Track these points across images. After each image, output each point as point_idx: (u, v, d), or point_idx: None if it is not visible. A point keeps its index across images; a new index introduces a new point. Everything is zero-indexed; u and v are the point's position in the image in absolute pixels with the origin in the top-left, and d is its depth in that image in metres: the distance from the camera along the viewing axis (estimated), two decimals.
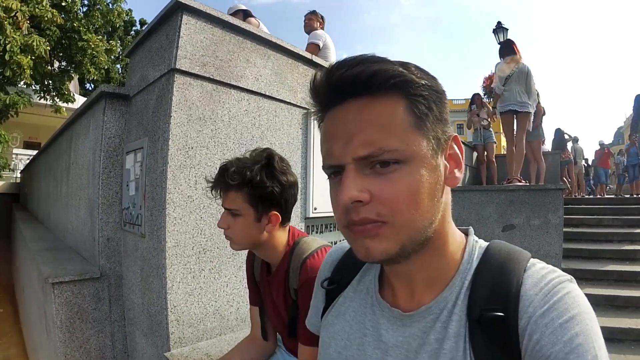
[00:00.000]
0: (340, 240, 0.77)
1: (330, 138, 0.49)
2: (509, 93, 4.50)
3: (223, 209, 1.11)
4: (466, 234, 0.57)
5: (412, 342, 0.51)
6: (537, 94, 6.03)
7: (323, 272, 0.72)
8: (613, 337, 3.21)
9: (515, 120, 4.63)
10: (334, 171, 0.49)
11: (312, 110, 0.53)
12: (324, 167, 0.51)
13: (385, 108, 0.46)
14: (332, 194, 0.51)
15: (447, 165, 0.50)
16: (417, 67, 0.49)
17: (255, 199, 1.07)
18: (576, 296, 0.45)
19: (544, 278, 0.47)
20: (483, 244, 0.55)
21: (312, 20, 3.73)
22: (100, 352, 2.14)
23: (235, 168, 1.05)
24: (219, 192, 1.11)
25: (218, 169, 1.10)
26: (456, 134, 0.52)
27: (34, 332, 3.45)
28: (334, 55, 3.43)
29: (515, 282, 0.47)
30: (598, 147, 11.47)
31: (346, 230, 0.49)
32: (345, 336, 0.59)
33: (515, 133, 4.62)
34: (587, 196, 9.40)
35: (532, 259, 0.51)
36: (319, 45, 3.33)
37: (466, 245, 0.54)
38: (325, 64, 2.65)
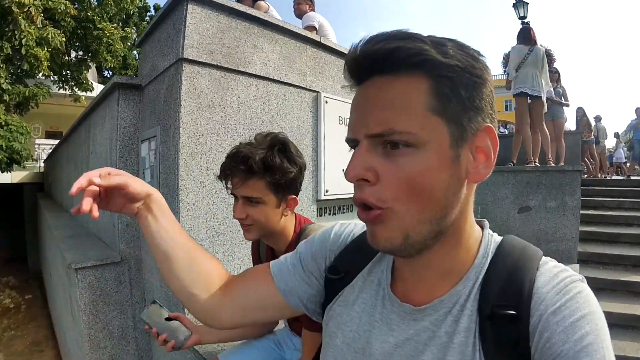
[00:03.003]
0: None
1: (353, 111, 0.49)
2: (524, 76, 4.46)
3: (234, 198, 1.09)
4: (481, 226, 0.55)
5: (422, 335, 0.50)
6: (559, 74, 5.95)
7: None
8: (628, 324, 3.16)
9: (528, 104, 4.58)
10: (353, 146, 0.49)
11: (348, 83, 0.51)
12: (346, 140, 0.51)
13: (405, 88, 0.44)
14: None
15: (473, 158, 0.47)
16: (455, 46, 0.45)
17: (278, 185, 1.06)
18: (587, 296, 0.45)
19: (557, 277, 0.47)
20: (497, 238, 0.54)
21: (302, 4, 3.66)
22: (122, 333, 2.25)
23: (259, 156, 1.02)
24: (227, 181, 1.08)
25: (230, 155, 1.07)
26: (490, 125, 0.47)
27: (61, 316, 3.64)
28: (332, 33, 3.38)
29: (529, 279, 0.47)
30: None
31: (359, 217, 0.50)
32: (354, 328, 0.57)
33: (535, 120, 4.57)
34: (614, 177, 9.01)
35: (544, 257, 0.51)
36: (315, 27, 3.29)
37: (482, 240, 0.53)
38: (333, 45, 2.62)
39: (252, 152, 1.03)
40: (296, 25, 2.37)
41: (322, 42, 2.53)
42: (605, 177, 8.69)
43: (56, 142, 8.08)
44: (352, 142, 0.49)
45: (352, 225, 0.68)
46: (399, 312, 0.54)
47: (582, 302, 0.44)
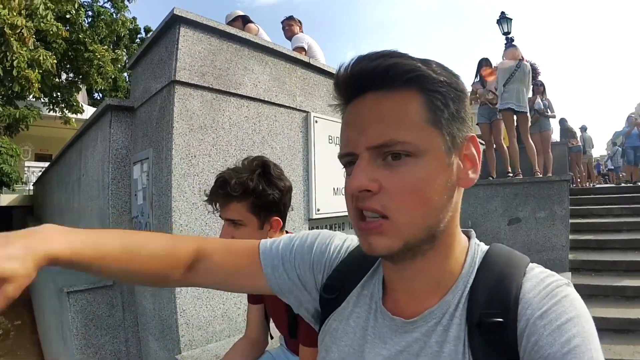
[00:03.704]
0: None
1: (348, 127, 0.51)
2: (511, 92, 4.62)
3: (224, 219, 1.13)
4: (468, 236, 0.57)
5: (414, 346, 0.52)
6: (544, 87, 6.16)
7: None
8: (622, 328, 3.18)
9: (515, 119, 4.78)
10: (348, 161, 0.51)
11: (336, 102, 0.54)
12: (339, 156, 0.52)
13: (401, 102, 0.47)
14: (345, 186, 0.52)
15: (462, 165, 0.50)
16: (438, 65, 0.49)
17: (257, 208, 1.10)
18: (574, 299, 0.46)
19: (543, 282, 0.48)
20: (484, 247, 0.56)
21: (292, 26, 3.77)
22: (115, 357, 2.21)
23: (236, 180, 1.08)
24: (216, 204, 1.13)
25: (215, 181, 1.13)
26: (474, 135, 0.52)
27: (51, 341, 3.55)
28: (320, 54, 3.46)
29: (515, 286, 0.48)
30: (624, 125, 9.01)
31: (355, 227, 0.51)
32: (349, 342, 0.58)
33: (521, 134, 4.79)
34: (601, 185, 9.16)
35: (530, 264, 0.52)
36: (304, 48, 3.38)
37: (469, 248, 0.55)
38: (322, 66, 2.69)
39: (231, 176, 1.09)
40: (285, 47, 2.42)
41: (311, 62, 2.60)
42: (594, 185, 8.84)
43: (46, 164, 8.01)
44: (349, 156, 0.50)
45: (349, 240, 0.69)
46: (390, 325, 0.55)
47: (568, 306, 0.45)
